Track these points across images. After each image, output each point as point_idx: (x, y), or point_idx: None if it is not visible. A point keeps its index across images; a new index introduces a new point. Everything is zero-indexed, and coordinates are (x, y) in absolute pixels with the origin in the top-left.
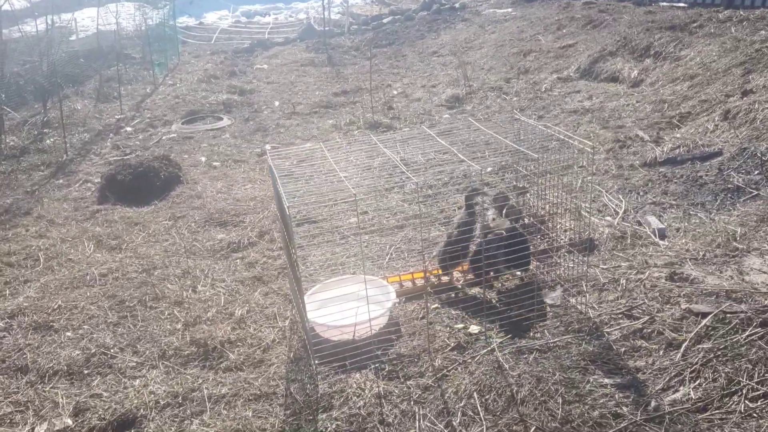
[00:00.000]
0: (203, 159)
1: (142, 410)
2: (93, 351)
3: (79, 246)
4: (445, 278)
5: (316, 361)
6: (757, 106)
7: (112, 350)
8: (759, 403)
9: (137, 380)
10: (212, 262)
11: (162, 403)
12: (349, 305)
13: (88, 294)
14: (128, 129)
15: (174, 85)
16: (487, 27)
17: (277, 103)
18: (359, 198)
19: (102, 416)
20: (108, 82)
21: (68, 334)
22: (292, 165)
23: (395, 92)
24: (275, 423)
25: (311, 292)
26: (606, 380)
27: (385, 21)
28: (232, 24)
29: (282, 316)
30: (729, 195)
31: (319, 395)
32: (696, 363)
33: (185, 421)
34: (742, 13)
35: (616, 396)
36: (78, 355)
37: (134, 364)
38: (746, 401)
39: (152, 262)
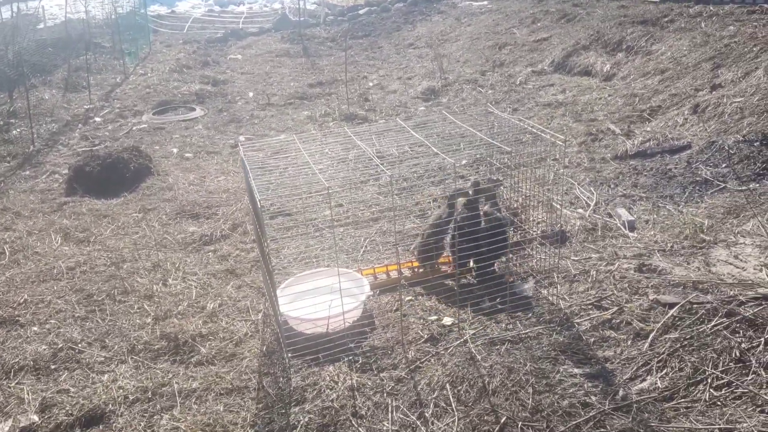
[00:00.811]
0: (175, 150)
1: (110, 405)
2: (60, 346)
3: (46, 239)
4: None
5: (289, 355)
6: (725, 100)
7: (79, 345)
8: (723, 392)
9: (106, 375)
10: (183, 255)
11: (131, 398)
12: (322, 298)
13: (55, 288)
14: (97, 119)
15: (145, 75)
16: (463, 19)
17: (251, 94)
18: (333, 191)
19: (69, 412)
20: (77, 71)
21: (34, 328)
22: (266, 156)
23: (371, 84)
24: (247, 417)
25: (284, 285)
26: (575, 370)
27: (361, 12)
28: (205, 13)
29: (255, 310)
30: (697, 188)
31: (291, 388)
32: (663, 353)
33: (155, 416)
34: (711, 8)
35: (585, 385)
36: (45, 350)
37: (103, 358)
38: (711, 390)
39: (121, 255)
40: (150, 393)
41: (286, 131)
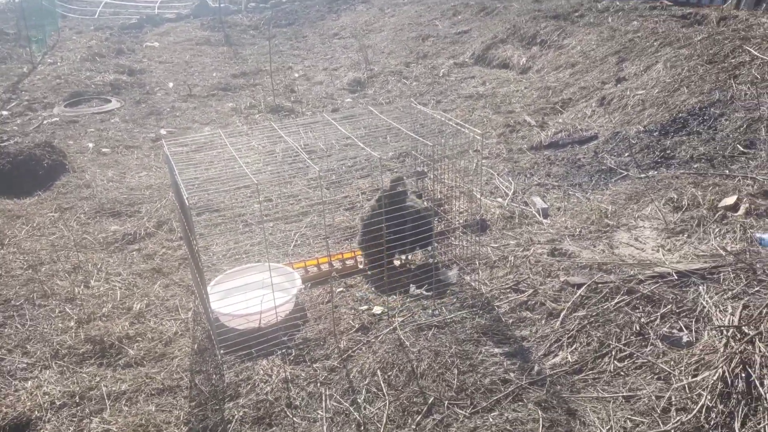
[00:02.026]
0: (91, 145)
1: (36, 412)
2: None
3: None
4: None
5: (222, 351)
6: (629, 92)
7: None
8: (626, 363)
9: (29, 382)
10: (106, 256)
11: (58, 403)
12: (254, 293)
13: None
14: (4, 113)
15: (54, 64)
16: (386, 10)
17: (171, 85)
18: (261, 185)
19: None
20: None
21: None
22: (190, 151)
23: (296, 75)
24: (180, 415)
25: (215, 282)
26: (496, 350)
27: None
28: None
29: (184, 308)
30: (603, 176)
31: (225, 384)
32: (572, 329)
33: (84, 420)
34: (618, 3)
35: (505, 363)
36: None
37: (25, 365)
38: (615, 361)
39: (38, 258)
40: (78, 397)
41: (210, 124)
